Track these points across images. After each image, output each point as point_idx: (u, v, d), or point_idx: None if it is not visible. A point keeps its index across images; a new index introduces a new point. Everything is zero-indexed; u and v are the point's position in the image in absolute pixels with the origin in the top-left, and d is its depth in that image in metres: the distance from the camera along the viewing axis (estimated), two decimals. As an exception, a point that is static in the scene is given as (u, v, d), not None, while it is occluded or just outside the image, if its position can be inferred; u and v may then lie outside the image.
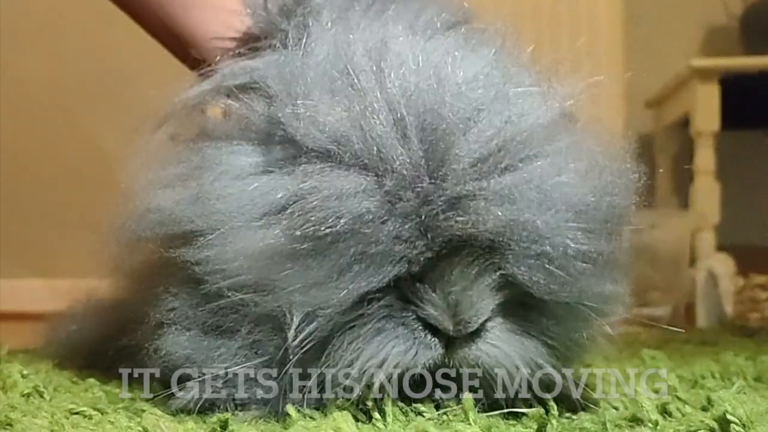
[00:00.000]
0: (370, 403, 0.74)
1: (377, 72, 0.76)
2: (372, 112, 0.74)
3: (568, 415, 0.77)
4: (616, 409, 0.79)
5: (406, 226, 0.72)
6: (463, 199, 0.72)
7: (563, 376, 0.78)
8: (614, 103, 2.87)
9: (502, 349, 0.75)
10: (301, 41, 0.81)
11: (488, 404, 0.75)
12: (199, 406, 0.78)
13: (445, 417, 0.73)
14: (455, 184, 0.72)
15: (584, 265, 0.74)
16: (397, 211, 0.72)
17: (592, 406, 0.81)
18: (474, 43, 0.82)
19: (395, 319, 0.74)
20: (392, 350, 0.73)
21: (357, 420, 0.73)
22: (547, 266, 0.73)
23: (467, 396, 0.73)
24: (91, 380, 0.97)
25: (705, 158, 2.77)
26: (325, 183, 0.72)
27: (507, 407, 0.76)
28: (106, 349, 0.99)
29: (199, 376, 0.77)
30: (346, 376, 0.73)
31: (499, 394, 0.75)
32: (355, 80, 0.76)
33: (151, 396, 0.84)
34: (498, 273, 0.74)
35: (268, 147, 0.78)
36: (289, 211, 0.73)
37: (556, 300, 0.75)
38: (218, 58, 0.87)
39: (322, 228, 0.71)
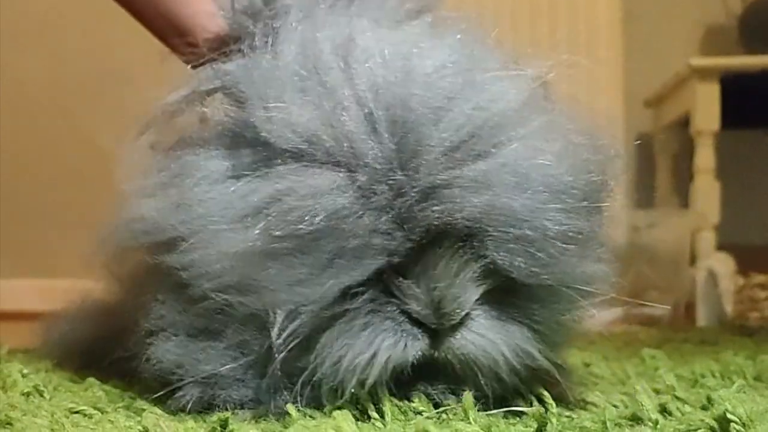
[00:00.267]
0: (366, 401, 0.74)
1: (345, 68, 0.77)
2: (342, 108, 0.75)
3: (568, 413, 0.77)
4: (616, 407, 0.79)
5: (383, 219, 0.73)
6: (438, 188, 0.72)
7: (550, 361, 0.78)
8: (613, 103, 2.87)
9: (487, 337, 0.75)
10: (268, 43, 0.82)
11: (477, 393, 0.75)
12: (197, 407, 0.78)
13: (444, 416, 0.74)
14: (428, 174, 0.73)
15: (565, 245, 0.74)
16: (372, 204, 0.73)
17: (590, 403, 0.81)
18: (440, 31, 0.83)
19: (381, 313, 0.74)
20: (382, 344, 0.74)
21: (357, 419, 0.73)
22: (527, 249, 0.73)
23: (467, 394, 0.73)
24: (91, 379, 0.97)
25: (705, 157, 2.77)
26: (300, 182, 0.73)
27: (498, 396, 0.76)
28: (99, 352, 0.99)
29: (191, 378, 0.78)
30: (337, 372, 0.73)
31: (488, 383, 0.76)
32: (324, 78, 0.77)
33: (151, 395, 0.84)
34: (480, 262, 0.74)
35: (242, 150, 0.79)
36: (266, 212, 0.74)
37: (538, 283, 0.75)
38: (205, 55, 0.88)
39: (300, 226, 0.72)
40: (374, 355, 0.73)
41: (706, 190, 2.76)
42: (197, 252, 0.76)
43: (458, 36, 0.82)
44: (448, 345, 0.75)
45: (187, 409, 0.78)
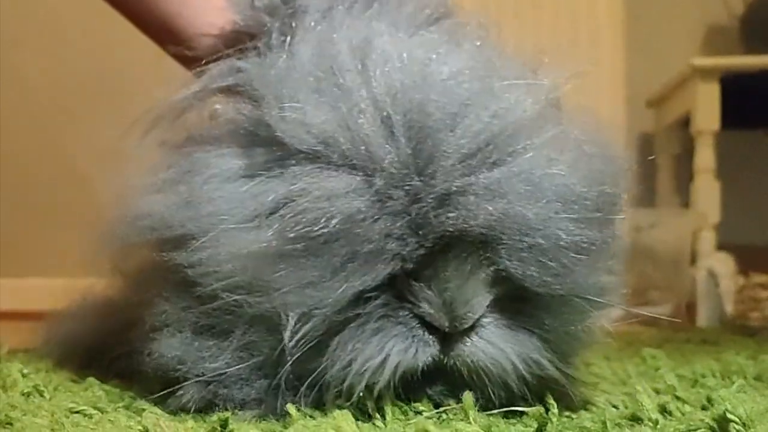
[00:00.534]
0: (369, 403, 0.74)
1: (362, 71, 0.76)
2: (358, 111, 0.74)
3: (568, 413, 0.77)
4: (616, 407, 0.79)
5: (398, 224, 0.72)
6: (453, 195, 0.72)
7: (560, 371, 0.77)
8: (615, 103, 2.87)
9: (497, 345, 0.75)
10: (285, 42, 0.82)
11: (485, 400, 0.75)
12: (198, 405, 0.78)
13: (445, 416, 0.73)
14: (444, 180, 0.72)
15: (577, 255, 0.74)
16: (388, 209, 0.72)
17: (590, 403, 0.81)
18: (458, 38, 0.82)
19: (392, 318, 0.74)
20: (393, 349, 0.73)
21: (357, 419, 0.72)
22: (539, 258, 0.73)
23: (467, 394, 0.73)
24: (91, 379, 0.97)
25: (705, 157, 2.77)
26: (315, 184, 0.73)
27: (504, 404, 0.76)
28: (102, 350, 0.99)
29: (194, 377, 0.77)
30: (346, 375, 0.73)
31: (496, 390, 0.75)
32: (341, 80, 0.76)
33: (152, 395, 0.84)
34: (492, 268, 0.74)
35: (256, 150, 0.78)
36: (280, 212, 0.73)
37: (550, 292, 0.75)
38: (208, 56, 0.87)
39: (314, 229, 0.71)
40: (384, 360, 0.73)
41: (707, 190, 2.76)
42: (206, 250, 0.75)
43: (476, 43, 0.81)
44: (458, 352, 0.75)
45: (188, 408, 0.78)
